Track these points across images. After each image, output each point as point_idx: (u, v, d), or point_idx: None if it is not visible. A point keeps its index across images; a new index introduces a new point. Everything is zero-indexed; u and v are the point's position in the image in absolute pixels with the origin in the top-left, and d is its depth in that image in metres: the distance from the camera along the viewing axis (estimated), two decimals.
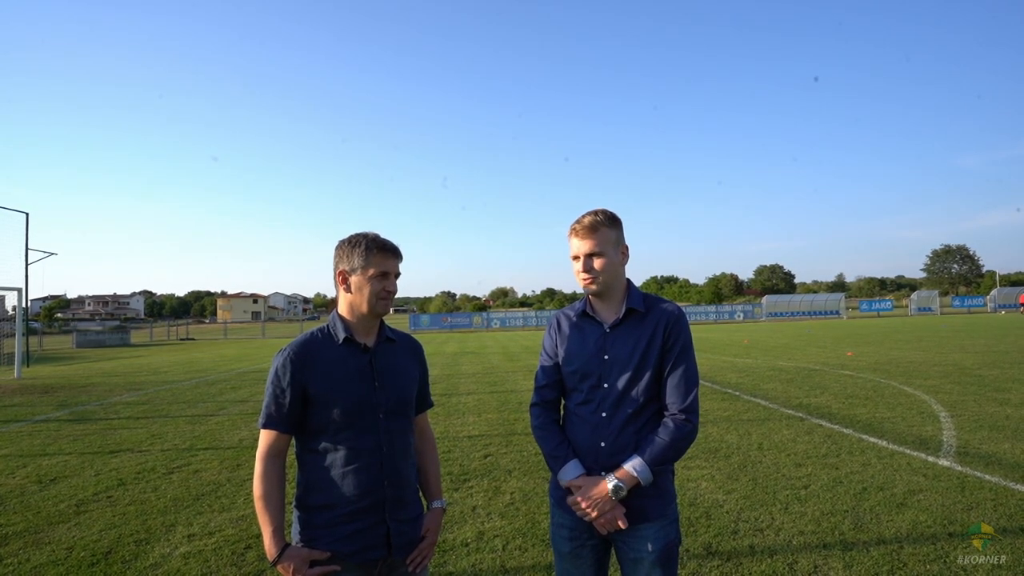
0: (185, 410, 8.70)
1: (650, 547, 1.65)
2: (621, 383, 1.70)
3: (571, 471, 1.71)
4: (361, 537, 1.61)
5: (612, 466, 1.67)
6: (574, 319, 1.85)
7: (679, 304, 1.82)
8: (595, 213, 1.76)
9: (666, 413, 1.69)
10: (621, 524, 1.63)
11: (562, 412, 1.88)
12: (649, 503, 1.67)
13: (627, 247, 1.82)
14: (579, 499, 1.66)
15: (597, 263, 1.73)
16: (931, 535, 3.40)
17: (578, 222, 1.77)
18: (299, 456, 1.69)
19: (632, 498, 1.66)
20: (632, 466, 1.62)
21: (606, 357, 1.73)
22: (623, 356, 1.72)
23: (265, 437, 1.63)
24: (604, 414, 1.71)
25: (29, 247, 17.00)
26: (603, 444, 1.70)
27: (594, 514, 1.64)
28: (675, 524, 1.72)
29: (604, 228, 1.74)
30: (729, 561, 3.17)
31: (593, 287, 1.76)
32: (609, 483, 1.63)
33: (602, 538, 1.74)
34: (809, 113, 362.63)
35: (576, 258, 1.77)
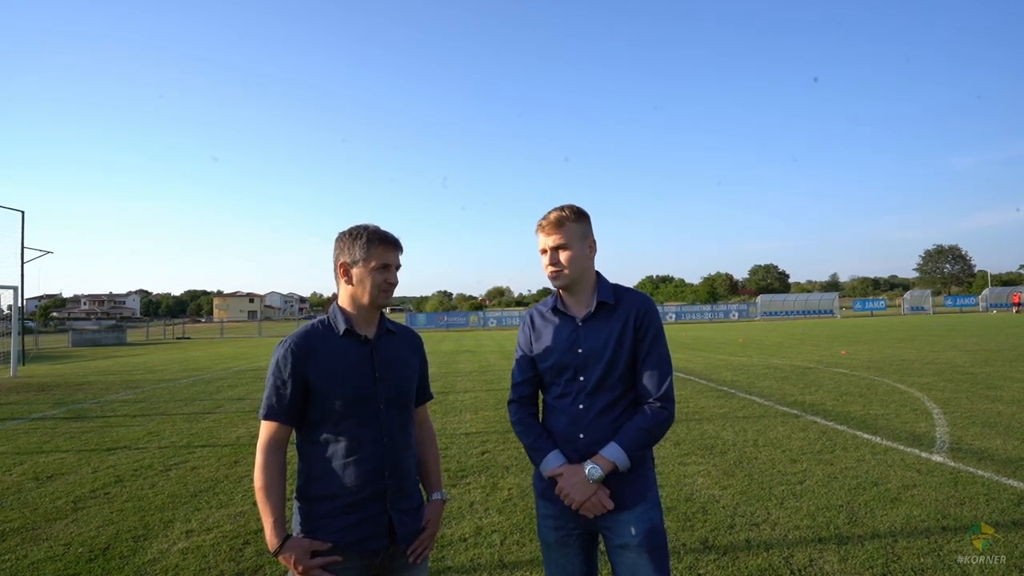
0: (182, 408, 8.68)
1: (633, 531, 1.67)
2: (596, 375, 1.74)
3: (552, 461, 1.75)
4: (362, 527, 1.62)
5: (591, 455, 1.71)
6: (547, 314, 1.88)
7: (663, 301, 1.84)
8: (561, 209, 1.80)
9: (643, 401, 1.74)
10: (607, 504, 1.66)
11: (541, 405, 1.92)
12: (628, 490, 1.70)
13: (595, 241, 1.85)
14: (561, 486, 1.70)
15: (563, 256, 1.77)
16: (925, 529, 3.43)
17: (544, 218, 1.81)
18: (300, 447, 1.70)
19: (611, 485, 1.69)
20: (608, 452, 1.67)
21: (580, 351, 1.77)
22: (596, 349, 1.75)
23: (266, 428, 1.64)
24: (581, 406, 1.75)
25: (25, 245, 16.90)
26: (582, 435, 1.74)
27: (576, 500, 1.66)
28: (657, 509, 1.74)
29: (569, 223, 1.77)
30: (726, 555, 3.20)
31: (559, 280, 1.80)
32: (586, 467, 1.67)
33: (587, 527, 1.76)
34: (809, 113, 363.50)
35: (544, 252, 1.81)
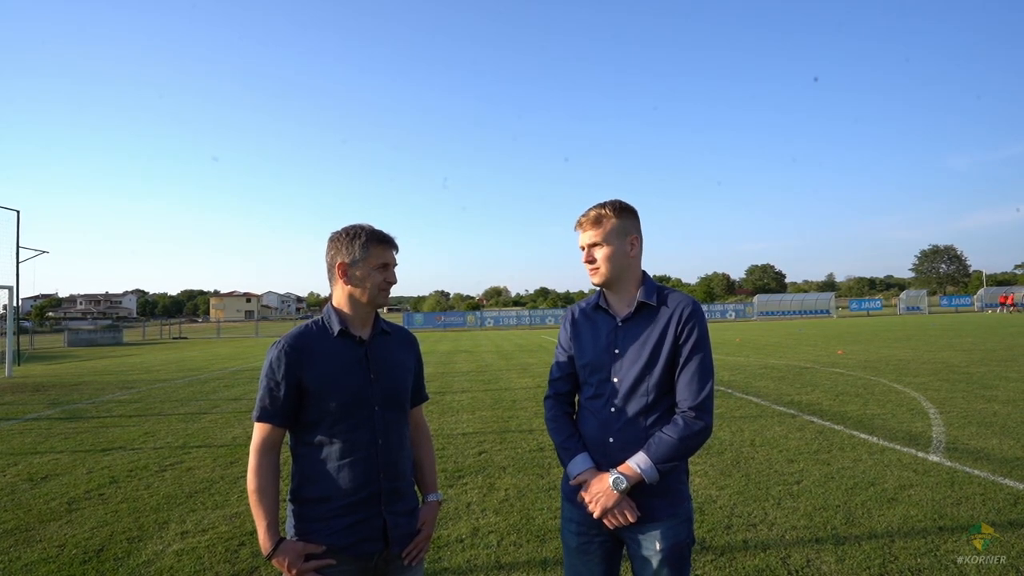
0: (178, 408, 8.65)
1: (658, 546, 1.62)
2: (630, 378, 1.67)
3: (579, 464, 1.70)
4: (357, 530, 1.60)
5: (621, 462, 1.64)
6: (589, 312, 1.83)
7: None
8: (602, 205, 1.74)
9: (677, 410, 1.65)
10: (631, 518, 1.60)
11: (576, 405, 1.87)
12: (658, 502, 1.64)
13: (638, 238, 1.77)
14: (583, 494, 1.66)
15: (599, 254, 1.73)
16: (921, 529, 3.43)
17: (584, 214, 1.76)
18: (294, 449, 1.68)
19: (640, 496, 1.63)
20: (636, 462, 1.60)
21: (616, 351, 1.71)
22: (633, 351, 1.69)
23: (259, 430, 1.62)
24: (613, 409, 1.69)
25: (20, 245, 16.83)
26: (611, 440, 1.68)
27: (598, 510, 1.61)
28: (687, 524, 1.68)
29: (608, 219, 1.72)
30: (723, 556, 3.19)
31: (595, 278, 1.76)
32: (610, 476, 1.61)
33: (612, 534, 1.70)
34: (809, 113, 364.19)
35: (582, 249, 1.78)
